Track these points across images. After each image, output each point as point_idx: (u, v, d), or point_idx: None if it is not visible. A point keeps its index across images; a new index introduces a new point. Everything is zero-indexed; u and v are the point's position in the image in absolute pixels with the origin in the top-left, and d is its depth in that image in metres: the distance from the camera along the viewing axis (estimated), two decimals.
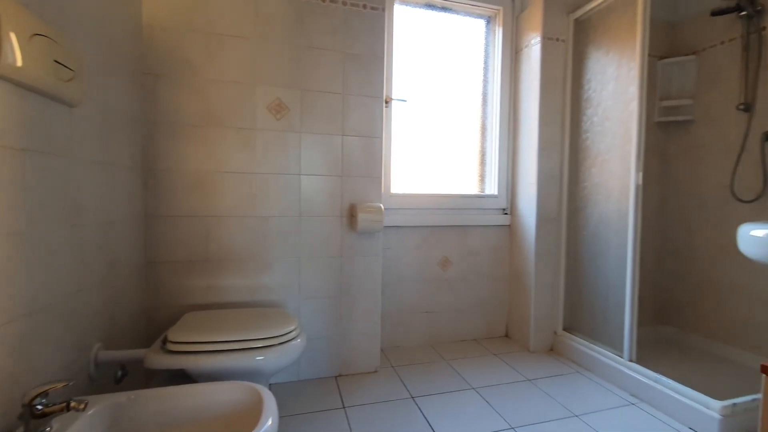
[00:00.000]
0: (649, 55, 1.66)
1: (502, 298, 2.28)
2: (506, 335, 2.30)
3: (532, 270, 2.06)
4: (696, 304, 2.13)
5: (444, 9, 2.16)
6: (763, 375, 0.53)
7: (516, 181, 2.20)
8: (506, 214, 2.25)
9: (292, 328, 1.27)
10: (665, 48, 2.24)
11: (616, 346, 1.75)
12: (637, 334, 1.67)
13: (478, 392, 1.65)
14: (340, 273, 1.74)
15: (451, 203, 2.16)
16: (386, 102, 1.98)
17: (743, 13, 1.84)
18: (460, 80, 2.22)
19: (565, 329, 2.06)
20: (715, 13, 1.93)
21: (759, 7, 1.80)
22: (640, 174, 1.63)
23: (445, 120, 2.20)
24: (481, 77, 2.26)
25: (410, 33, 2.09)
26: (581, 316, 1.97)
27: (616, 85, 1.75)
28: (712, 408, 1.35)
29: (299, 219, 1.67)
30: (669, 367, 1.76)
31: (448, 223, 2.14)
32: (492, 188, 2.27)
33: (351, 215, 1.73)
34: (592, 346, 1.86)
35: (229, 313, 1.41)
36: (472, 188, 2.27)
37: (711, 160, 2.06)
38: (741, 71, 1.90)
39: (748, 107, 1.86)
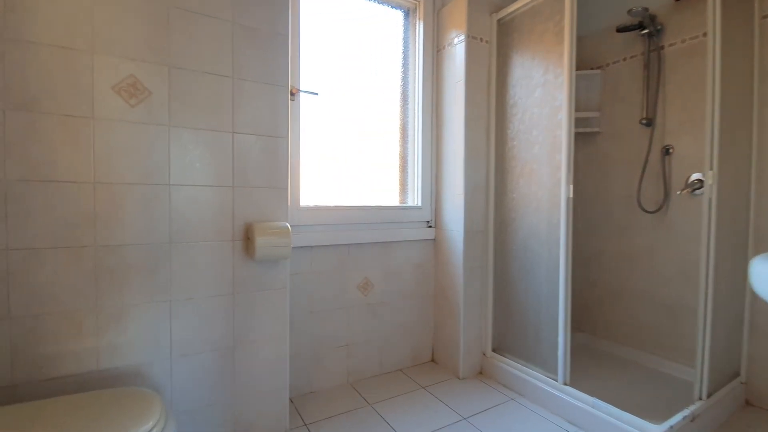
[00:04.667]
0: None
1: (427, 319, 2.06)
2: (432, 359, 2.09)
3: (461, 287, 1.88)
4: (605, 310, 2.18)
5: None
6: None
7: (441, 190, 2.01)
8: (431, 227, 2.05)
9: (150, 425, 0.82)
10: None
11: (549, 369, 1.64)
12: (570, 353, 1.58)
13: None
14: (232, 315, 1.31)
15: (370, 217, 1.87)
16: (292, 94, 1.60)
17: (645, 31, 1.91)
18: (378, 77, 1.95)
19: (494, 350, 1.92)
20: (620, 29, 1.98)
21: (659, 26, 1.89)
22: (571, 186, 1.54)
23: (362, 121, 1.90)
24: (400, 75, 2.02)
25: (320, 14, 1.75)
26: (511, 335, 1.85)
27: (544, 92, 1.65)
28: None
29: (169, 246, 1.20)
30: (597, 381, 1.72)
31: (368, 240, 1.84)
32: (415, 199, 2.04)
33: (247, 238, 1.31)
34: (524, 368, 1.73)
35: (30, 409, 0.88)
36: (392, 199, 2.02)
37: (615, 172, 2.13)
38: (642, 87, 1.98)
39: (649, 122, 1.94)
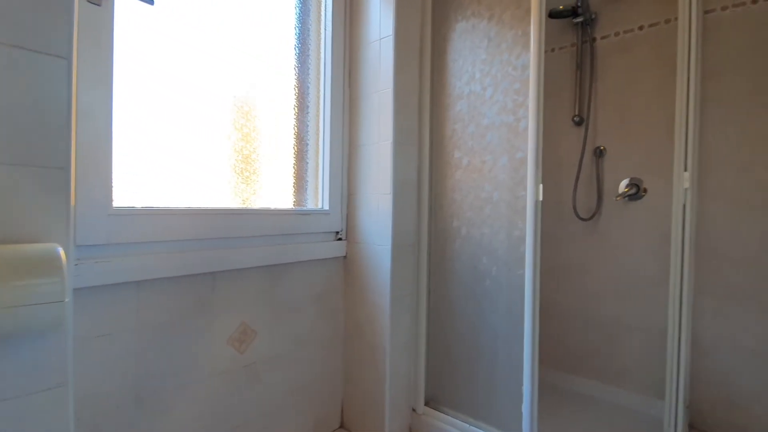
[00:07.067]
0: None
1: (334, 372, 1.46)
2: (342, 425, 1.49)
3: (386, 323, 1.34)
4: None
5: None
6: None
7: (356, 188, 1.44)
8: (340, 239, 1.46)
9: None
10: None
11: (508, 427, 1.23)
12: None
13: None
14: None
15: (250, 227, 1.18)
16: None
17: (579, 19, 1.71)
18: (261, 18, 1.29)
19: (427, 403, 1.44)
20: (554, 14, 1.75)
21: (593, 15, 1.71)
22: (540, 187, 1.15)
23: (232, 73, 1.21)
24: (294, 22, 1.40)
25: None
26: (452, 383, 1.39)
27: (501, 60, 1.25)
28: None
29: None
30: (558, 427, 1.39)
31: (246, 264, 1.15)
32: (318, 200, 1.43)
33: None
34: (471, 428, 1.29)
35: None
36: (285, 200, 1.37)
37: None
38: (574, 83, 1.79)
39: (581, 121, 1.75)
